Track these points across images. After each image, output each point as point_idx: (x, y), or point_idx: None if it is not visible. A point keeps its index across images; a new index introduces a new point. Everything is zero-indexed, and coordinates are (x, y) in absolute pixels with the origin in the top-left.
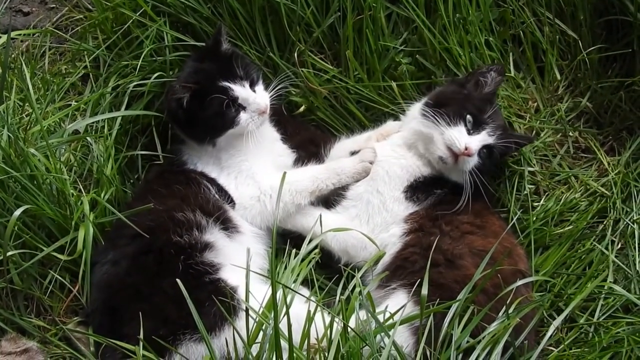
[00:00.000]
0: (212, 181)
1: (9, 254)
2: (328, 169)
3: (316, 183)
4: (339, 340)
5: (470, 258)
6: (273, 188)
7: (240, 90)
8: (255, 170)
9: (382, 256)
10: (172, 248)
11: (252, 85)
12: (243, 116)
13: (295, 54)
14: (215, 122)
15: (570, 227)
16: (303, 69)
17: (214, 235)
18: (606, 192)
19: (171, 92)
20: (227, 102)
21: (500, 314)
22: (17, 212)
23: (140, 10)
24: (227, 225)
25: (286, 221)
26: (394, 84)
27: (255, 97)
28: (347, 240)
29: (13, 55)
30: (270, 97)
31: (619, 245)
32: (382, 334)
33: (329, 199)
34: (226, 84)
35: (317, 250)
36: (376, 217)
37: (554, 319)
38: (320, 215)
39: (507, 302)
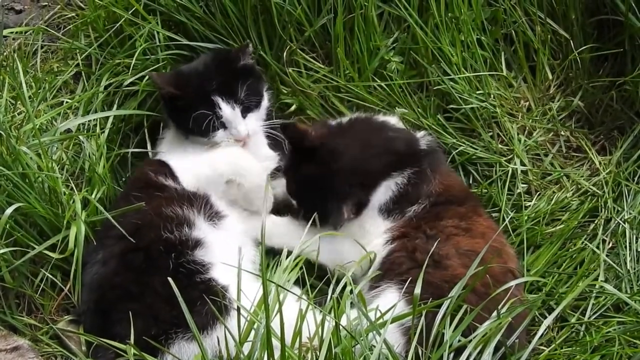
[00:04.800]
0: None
1: (0, 251)
2: None
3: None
4: (330, 339)
5: (457, 258)
6: (211, 166)
7: (228, 111)
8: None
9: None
10: (161, 245)
11: (247, 111)
12: (220, 134)
13: (285, 54)
14: (194, 126)
15: (562, 226)
16: (289, 69)
17: (202, 230)
18: (597, 191)
19: (166, 82)
20: (211, 118)
21: (494, 314)
22: (9, 210)
23: (132, 9)
24: (210, 213)
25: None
26: (382, 84)
27: (239, 123)
28: (340, 256)
29: (5, 53)
30: (263, 127)
31: (610, 245)
32: (373, 332)
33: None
34: (218, 99)
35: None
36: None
37: (545, 318)
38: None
39: (499, 301)
